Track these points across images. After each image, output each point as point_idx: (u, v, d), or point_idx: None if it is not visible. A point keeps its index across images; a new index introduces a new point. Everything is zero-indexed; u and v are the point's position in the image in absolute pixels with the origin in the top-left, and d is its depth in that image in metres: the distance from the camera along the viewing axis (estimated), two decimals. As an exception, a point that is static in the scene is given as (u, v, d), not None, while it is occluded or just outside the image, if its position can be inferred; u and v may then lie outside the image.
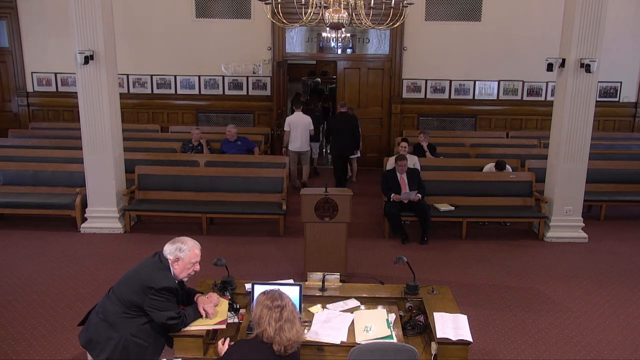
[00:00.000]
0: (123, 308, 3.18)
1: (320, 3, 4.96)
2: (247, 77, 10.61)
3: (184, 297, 3.50)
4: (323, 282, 3.95)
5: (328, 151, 9.41)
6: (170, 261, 3.27)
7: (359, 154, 9.62)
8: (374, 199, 8.44)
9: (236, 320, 3.61)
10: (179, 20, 10.33)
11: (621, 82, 10.69)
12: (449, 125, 10.78)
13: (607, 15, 6.52)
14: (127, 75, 10.54)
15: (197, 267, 3.36)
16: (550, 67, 6.77)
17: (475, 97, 10.68)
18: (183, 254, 3.26)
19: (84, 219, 7.16)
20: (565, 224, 7.07)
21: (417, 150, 8.60)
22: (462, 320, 3.49)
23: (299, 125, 9.07)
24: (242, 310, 3.68)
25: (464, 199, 7.41)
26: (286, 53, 10.62)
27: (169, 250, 3.28)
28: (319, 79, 16.98)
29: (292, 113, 9.63)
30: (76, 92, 6.94)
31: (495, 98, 10.69)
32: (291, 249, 6.66)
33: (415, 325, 3.62)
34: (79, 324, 3.44)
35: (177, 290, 3.26)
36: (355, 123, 9.11)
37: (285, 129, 9.20)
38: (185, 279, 3.37)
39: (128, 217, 7.21)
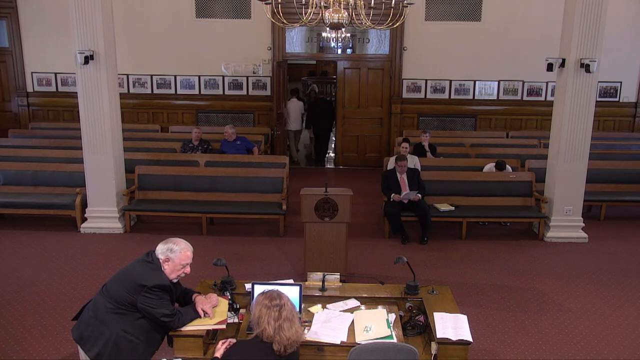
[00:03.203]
0: (115, 305, 3.17)
1: (320, 3, 4.97)
2: (247, 77, 10.61)
3: (179, 297, 3.50)
4: (323, 282, 3.95)
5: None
6: (161, 261, 3.26)
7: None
8: (374, 199, 8.45)
9: (236, 320, 3.60)
10: (179, 20, 10.33)
11: (621, 82, 10.69)
12: (449, 125, 10.77)
13: (607, 15, 6.51)
14: (127, 75, 10.54)
15: (188, 270, 3.33)
16: (550, 67, 6.77)
17: (475, 97, 10.68)
18: (174, 254, 3.25)
19: (84, 219, 7.16)
20: (565, 224, 7.07)
21: (418, 150, 8.60)
22: (462, 320, 3.49)
23: (295, 110, 11.13)
24: (242, 310, 3.68)
25: (464, 199, 7.40)
26: (286, 53, 10.62)
27: (161, 249, 3.27)
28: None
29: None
30: (76, 92, 6.94)
31: (495, 98, 10.70)
32: (291, 249, 6.65)
33: (415, 325, 3.61)
34: (73, 319, 3.43)
35: (170, 288, 3.26)
36: (332, 107, 11.15)
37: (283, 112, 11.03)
38: (175, 280, 3.34)
39: (128, 217, 7.21)
